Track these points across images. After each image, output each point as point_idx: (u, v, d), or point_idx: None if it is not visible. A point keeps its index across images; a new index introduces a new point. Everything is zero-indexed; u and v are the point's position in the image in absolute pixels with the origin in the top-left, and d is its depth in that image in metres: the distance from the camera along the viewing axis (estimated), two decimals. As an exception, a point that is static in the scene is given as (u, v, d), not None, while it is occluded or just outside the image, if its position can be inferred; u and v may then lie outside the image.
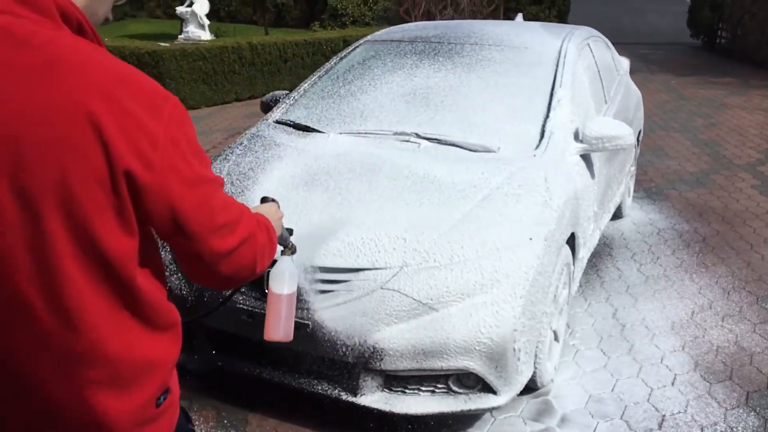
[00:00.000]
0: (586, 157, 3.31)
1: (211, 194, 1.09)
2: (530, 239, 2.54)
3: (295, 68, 10.69)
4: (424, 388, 2.48)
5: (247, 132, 3.56)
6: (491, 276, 2.42)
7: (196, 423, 2.70)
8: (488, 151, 3.01)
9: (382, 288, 2.40)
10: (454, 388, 2.47)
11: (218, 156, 3.34)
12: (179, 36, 14.30)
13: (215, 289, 2.67)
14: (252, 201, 2.79)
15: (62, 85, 0.95)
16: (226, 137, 7.59)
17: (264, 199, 1.66)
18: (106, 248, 1.00)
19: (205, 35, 13.92)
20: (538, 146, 3.05)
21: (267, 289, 1.89)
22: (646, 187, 5.78)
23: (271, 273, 1.83)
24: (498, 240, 2.51)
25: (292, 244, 1.78)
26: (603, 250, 4.40)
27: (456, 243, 2.49)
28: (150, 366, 1.12)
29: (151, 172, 0.99)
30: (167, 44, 9.78)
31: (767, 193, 5.61)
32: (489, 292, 2.40)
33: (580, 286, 3.83)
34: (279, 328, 1.78)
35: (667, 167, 6.41)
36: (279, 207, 1.61)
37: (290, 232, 1.75)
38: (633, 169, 5.06)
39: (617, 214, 4.86)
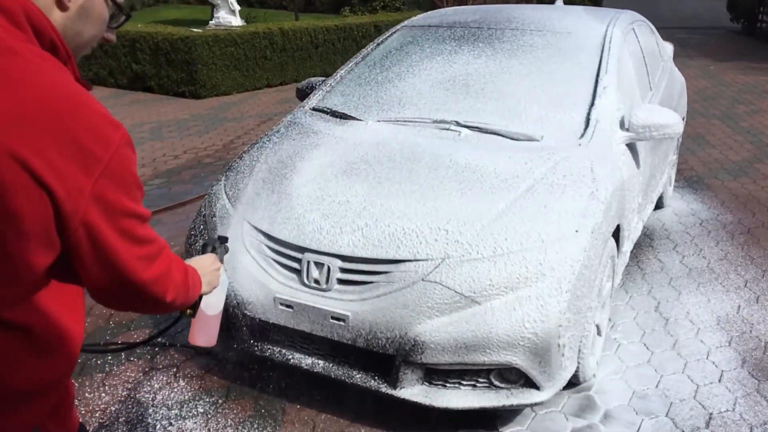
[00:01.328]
0: (631, 146, 3.21)
1: (135, 226, 1.08)
2: (576, 231, 2.47)
3: (326, 54, 10.64)
4: (465, 382, 2.43)
5: (283, 119, 3.52)
6: (536, 269, 2.36)
7: (234, 412, 2.70)
8: (531, 139, 2.92)
9: (423, 280, 2.36)
10: (496, 383, 2.42)
11: (255, 143, 3.31)
12: (210, 22, 14.32)
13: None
14: (291, 189, 2.75)
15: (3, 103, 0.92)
16: (258, 123, 7.59)
17: (205, 246, 1.63)
18: (20, 261, 0.97)
19: (236, 21, 13.92)
20: (583, 135, 2.95)
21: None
22: (687, 176, 5.63)
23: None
24: (543, 232, 2.44)
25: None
26: (644, 242, 4.28)
27: (499, 235, 2.43)
28: (32, 391, 1.09)
29: (79, 198, 0.97)
30: (200, 30, 9.79)
31: (815, 183, 5.43)
32: (534, 285, 2.34)
33: (621, 278, 3.73)
34: (202, 336, 1.76)
35: (708, 155, 6.23)
36: (218, 257, 1.58)
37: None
38: (675, 158, 4.92)
39: (658, 205, 4.73)
